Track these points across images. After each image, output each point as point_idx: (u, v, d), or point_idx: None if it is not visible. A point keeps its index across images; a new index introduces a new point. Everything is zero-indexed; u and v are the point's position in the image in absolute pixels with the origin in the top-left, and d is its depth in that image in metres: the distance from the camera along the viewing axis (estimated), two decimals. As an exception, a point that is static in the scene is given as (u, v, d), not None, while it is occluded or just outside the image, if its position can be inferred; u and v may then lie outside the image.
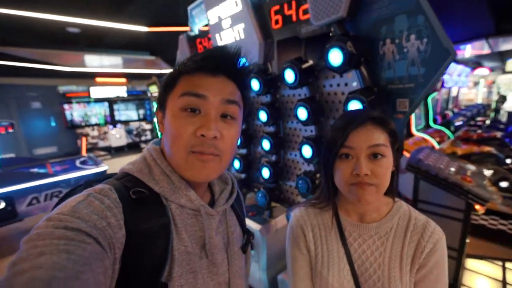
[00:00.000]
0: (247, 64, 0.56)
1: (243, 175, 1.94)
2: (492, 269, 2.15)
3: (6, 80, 6.98)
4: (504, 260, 2.23)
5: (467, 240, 1.80)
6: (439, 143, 3.21)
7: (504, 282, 1.99)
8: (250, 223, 1.69)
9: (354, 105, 1.02)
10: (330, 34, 1.15)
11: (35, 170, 3.27)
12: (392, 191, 0.66)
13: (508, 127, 4.92)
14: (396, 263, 0.62)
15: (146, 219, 0.47)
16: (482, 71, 9.04)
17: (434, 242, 0.60)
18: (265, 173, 1.65)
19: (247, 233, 0.67)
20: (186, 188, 0.53)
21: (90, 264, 0.35)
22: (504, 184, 2.72)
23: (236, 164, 1.88)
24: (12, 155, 6.60)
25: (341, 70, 1.07)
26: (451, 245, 1.76)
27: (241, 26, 1.53)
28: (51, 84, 7.77)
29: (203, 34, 2.00)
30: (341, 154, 0.61)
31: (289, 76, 1.30)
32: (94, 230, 0.39)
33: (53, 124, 7.98)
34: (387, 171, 0.59)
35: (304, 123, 1.33)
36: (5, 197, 2.88)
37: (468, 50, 6.79)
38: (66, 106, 7.98)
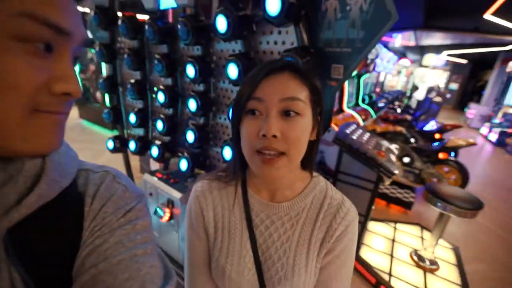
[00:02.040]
0: None
1: (167, 138, 1.72)
2: (387, 229, 2.55)
3: None
4: (395, 222, 2.67)
5: (373, 207, 2.03)
6: (364, 120, 3.50)
7: (393, 240, 2.40)
8: (170, 191, 1.52)
9: (288, 65, 0.90)
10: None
11: None
12: (311, 165, 0.56)
13: (416, 112, 5.76)
14: (303, 248, 0.53)
15: None
16: (405, 62, 10.23)
17: (347, 224, 0.52)
18: (190, 137, 1.46)
19: None
20: None
21: None
22: (406, 159, 3.18)
23: (159, 125, 1.63)
24: None
25: (278, 21, 0.91)
26: (361, 212, 1.96)
27: None
28: None
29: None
30: (248, 109, 0.48)
31: (221, 24, 1.08)
32: None
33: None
34: (302, 134, 0.47)
35: (235, 82, 1.17)
36: None
37: (398, 40, 7.47)
38: None
